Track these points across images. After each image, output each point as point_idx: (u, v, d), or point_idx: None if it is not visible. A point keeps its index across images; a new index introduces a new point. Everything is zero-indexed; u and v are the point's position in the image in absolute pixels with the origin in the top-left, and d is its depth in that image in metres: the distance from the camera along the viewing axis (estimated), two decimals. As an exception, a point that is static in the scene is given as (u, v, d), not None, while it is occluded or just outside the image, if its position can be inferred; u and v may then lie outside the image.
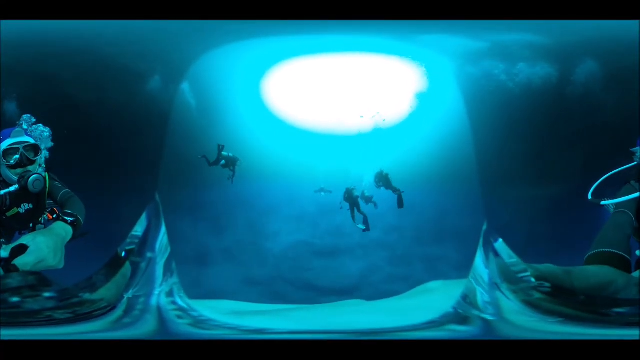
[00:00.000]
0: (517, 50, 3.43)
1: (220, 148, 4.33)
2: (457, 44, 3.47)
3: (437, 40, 3.50)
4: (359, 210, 4.38)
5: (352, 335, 2.04)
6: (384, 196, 4.35)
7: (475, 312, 2.09)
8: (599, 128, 3.33)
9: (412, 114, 4.28)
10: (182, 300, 2.31)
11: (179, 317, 2.17)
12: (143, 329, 1.99)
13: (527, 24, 2.84)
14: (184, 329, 2.07)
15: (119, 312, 2.05)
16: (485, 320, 2.03)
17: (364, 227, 4.38)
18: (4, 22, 2.64)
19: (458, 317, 2.11)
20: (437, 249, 4.15)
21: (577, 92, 3.39)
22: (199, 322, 2.13)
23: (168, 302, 2.25)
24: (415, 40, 3.59)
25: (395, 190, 4.32)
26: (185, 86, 3.68)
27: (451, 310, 2.15)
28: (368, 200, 4.40)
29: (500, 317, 2.00)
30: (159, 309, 2.17)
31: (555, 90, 3.42)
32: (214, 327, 2.12)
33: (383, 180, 4.35)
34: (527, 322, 1.90)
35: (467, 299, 2.18)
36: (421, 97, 4.22)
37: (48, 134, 2.69)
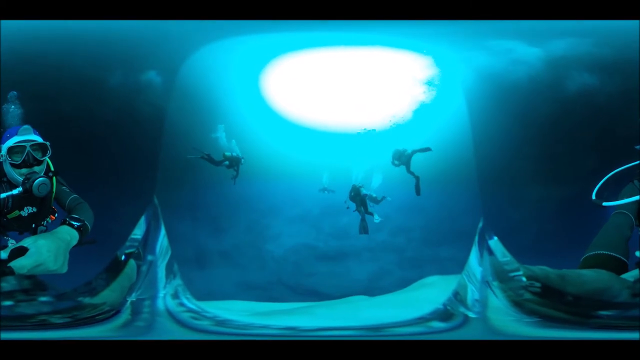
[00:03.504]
0: (526, 52, 3.56)
1: (226, 157, 4.48)
2: (464, 45, 3.60)
3: (443, 40, 3.63)
4: (366, 210, 4.45)
5: (350, 332, 2.16)
6: (390, 197, 4.47)
7: (462, 309, 2.24)
8: (611, 131, 3.44)
9: (419, 112, 4.40)
10: (189, 302, 2.43)
11: (195, 318, 2.29)
12: (160, 332, 2.11)
13: (531, 24, 2.96)
14: (209, 329, 2.19)
15: (125, 315, 2.15)
16: (466, 318, 2.17)
17: (380, 219, 4.42)
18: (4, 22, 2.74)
19: (444, 314, 2.26)
20: (447, 250, 4.21)
21: (591, 96, 3.52)
22: (218, 322, 2.25)
23: (175, 304, 2.37)
24: (421, 37, 3.71)
25: (413, 174, 4.34)
26: (181, 85, 3.80)
27: (441, 306, 2.30)
28: (376, 201, 4.48)
29: (482, 315, 2.14)
30: (169, 312, 2.29)
31: (565, 93, 3.56)
32: (236, 327, 2.24)
33: (404, 159, 4.37)
34: (503, 322, 2.04)
35: (458, 295, 2.33)
36: (429, 96, 4.34)
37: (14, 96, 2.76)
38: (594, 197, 2.41)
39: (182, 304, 2.37)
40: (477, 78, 3.73)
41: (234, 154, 4.49)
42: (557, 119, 3.61)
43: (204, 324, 2.27)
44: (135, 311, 2.18)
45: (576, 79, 3.63)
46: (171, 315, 2.27)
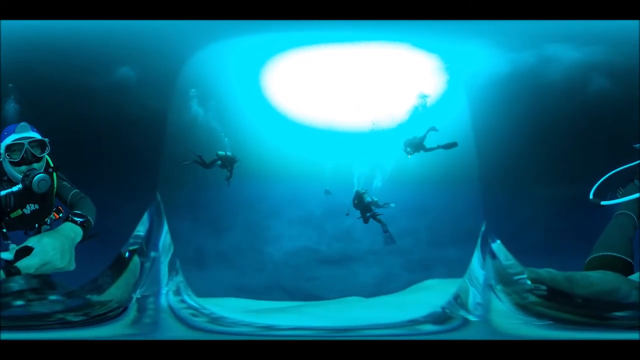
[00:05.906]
0: (534, 52, 3.67)
1: (219, 156, 4.55)
2: (469, 46, 3.71)
3: (444, 41, 3.73)
4: (374, 218, 4.49)
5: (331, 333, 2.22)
6: (394, 199, 4.56)
7: (462, 313, 2.31)
8: (617, 133, 3.54)
9: (426, 112, 4.51)
10: (190, 299, 2.50)
11: (194, 315, 2.36)
12: (163, 329, 2.17)
13: (536, 25, 3.06)
14: (203, 326, 2.27)
15: (132, 312, 2.21)
16: (465, 321, 2.25)
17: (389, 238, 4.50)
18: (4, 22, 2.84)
19: (441, 317, 2.33)
20: (454, 251, 4.25)
21: (599, 99, 3.62)
22: (213, 319, 2.33)
23: (177, 300, 2.44)
24: (428, 40, 3.82)
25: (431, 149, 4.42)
26: (183, 85, 3.91)
27: (439, 309, 2.37)
28: (378, 206, 4.54)
29: (485, 318, 2.21)
30: (171, 308, 2.36)
31: (575, 96, 3.66)
32: (230, 325, 2.32)
33: (414, 146, 4.47)
34: (510, 325, 2.11)
35: (459, 299, 2.40)
36: (435, 96, 4.46)
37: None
38: (591, 196, 2.45)
39: (183, 301, 2.44)
40: (480, 80, 3.84)
41: (228, 153, 4.55)
42: (565, 121, 3.72)
43: (201, 320, 2.33)
44: (141, 308, 2.23)
45: (588, 83, 3.75)
46: (173, 311, 2.33)
